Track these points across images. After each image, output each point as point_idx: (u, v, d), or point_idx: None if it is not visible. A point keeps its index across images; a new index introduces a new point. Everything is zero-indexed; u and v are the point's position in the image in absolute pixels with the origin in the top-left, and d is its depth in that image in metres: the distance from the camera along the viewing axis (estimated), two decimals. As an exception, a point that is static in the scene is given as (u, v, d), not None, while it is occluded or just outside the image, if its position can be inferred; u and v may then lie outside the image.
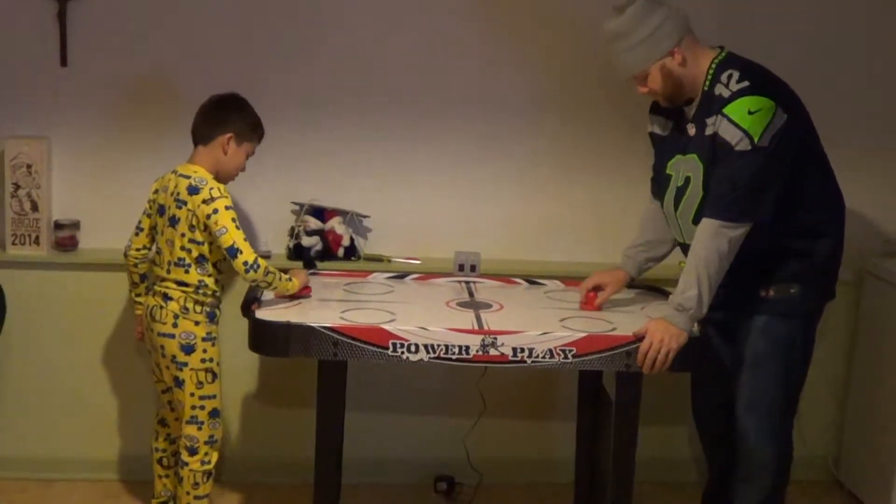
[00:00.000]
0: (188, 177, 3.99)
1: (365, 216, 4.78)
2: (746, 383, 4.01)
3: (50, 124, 4.61)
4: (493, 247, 4.82)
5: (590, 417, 4.52)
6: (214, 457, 4.15)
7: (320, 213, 4.69)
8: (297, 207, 4.72)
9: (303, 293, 4.09)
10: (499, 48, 4.76)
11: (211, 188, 3.95)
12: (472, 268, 4.69)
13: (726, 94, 3.75)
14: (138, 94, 4.60)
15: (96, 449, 4.80)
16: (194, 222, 3.97)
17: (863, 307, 4.87)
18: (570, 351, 3.75)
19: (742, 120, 3.68)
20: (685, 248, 3.99)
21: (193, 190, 3.95)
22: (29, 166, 4.54)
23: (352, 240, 4.71)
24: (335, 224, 4.68)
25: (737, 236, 3.74)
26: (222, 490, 4.75)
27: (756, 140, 3.67)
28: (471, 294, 4.34)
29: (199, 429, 4.09)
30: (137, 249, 4.20)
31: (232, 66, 4.60)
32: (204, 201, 3.93)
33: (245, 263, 3.91)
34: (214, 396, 4.10)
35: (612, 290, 4.21)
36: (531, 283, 4.56)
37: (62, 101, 4.61)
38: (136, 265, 4.23)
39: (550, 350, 3.74)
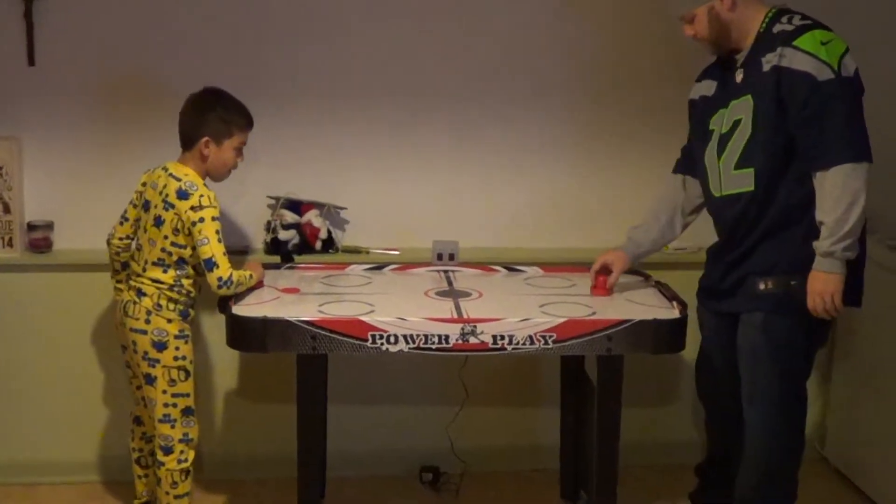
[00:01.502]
0: (179, 179, 3.95)
1: (342, 208, 4.76)
2: (747, 376, 4.01)
3: (20, 125, 4.56)
4: (472, 235, 4.80)
5: (573, 402, 4.52)
6: (191, 455, 4.12)
7: (296, 206, 4.66)
8: (273, 201, 4.69)
9: (291, 291, 4.09)
10: (474, 40, 4.74)
11: (201, 195, 3.92)
12: (451, 257, 4.68)
13: (790, 28, 3.75)
14: (109, 92, 4.55)
15: (78, 451, 4.77)
16: (179, 226, 3.94)
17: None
18: (550, 337, 3.74)
19: (817, 50, 3.67)
20: (716, 204, 4.00)
21: (183, 195, 3.92)
22: (0, 168, 4.50)
23: (329, 232, 4.69)
24: (312, 217, 4.65)
25: (865, 175, 3.69)
26: (206, 488, 4.73)
27: (836, 68, 3.66)
28: (450, 283, 4.32)
29: (173, 427, 4.06)
30: (121, 238, 4.17)
31: (206, 61, 4.56)
32: (192, 208, 3.91)
33: (219, 279, 3.89)
34: (188, 395, 4.07)
35: (619, 270, 4.20)
36: (510, 270, 4.55)
37: (31, 101, 4.56)
38: (118, 253, 4.20)
39: (531, 336, 3.73)
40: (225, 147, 4.01)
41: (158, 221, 3.97)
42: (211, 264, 3.89)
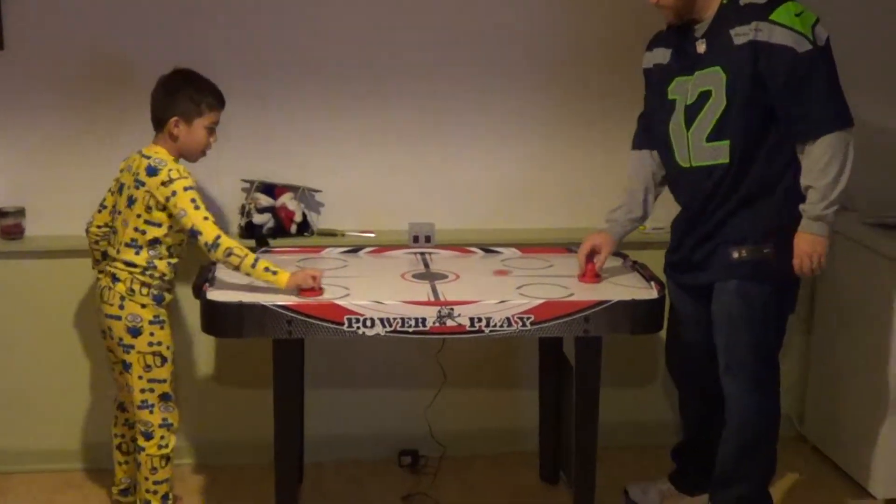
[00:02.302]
0: (149, 157, 3.93)
1: (317, 191, 4.73)
2: (723, 344, 4.03)
3: (-9, 110, 4.53)
4: (448, 217, 4.78)
5: (552, 384, 4.52)
6: (172, 441, 4.10)
7: (271, 189, 4.63)
8: (248, 185, 4.66)
9: (310, 294, 3.84)
10: (449, 19, 4.71)
11: (170, 170, 3.89)
12: (427, 239, 4.66)
13: (761, 1, 3.77)
14: (80, 77, 4.50)
15: (55, 439, 4.74)
16: (152, 203, 3.90)
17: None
18: (528, 318, 3.73)
19: (793, 23, 3.72)
20: (685, 175, 4.01)
21: (152, 171, 3.89)
22: (-30, 154, 4.47)
23: (304, 215, 4.66)
24: (287, 200, 4.62)
25: (851, 139, 3.78)
26: (184, 473, 4.71)
27: (812, 39, 3.72)
28: (426, 265, 4.31)
29: (151, 413, 4.04)
30: (99, 227, 4.14)
31: (177, 42, 4.51)
32: (162, 183, 3.87)
33: (206, 244, 3.85)
34: (164, 381, 4.05)
35: (606, 254, 4.18)
36: (487, 251, 4.52)
37: (2, 85, 4.51)
38: (97, 242, 4.17)
39: (508, 318, 3.72)
40: (196, 126, 3.97)
41: (131, 201, 3.94)
42: (195, 233, 3.86)
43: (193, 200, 3.88)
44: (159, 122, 3.97)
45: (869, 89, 4.84)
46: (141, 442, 4.07)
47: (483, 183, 4.84)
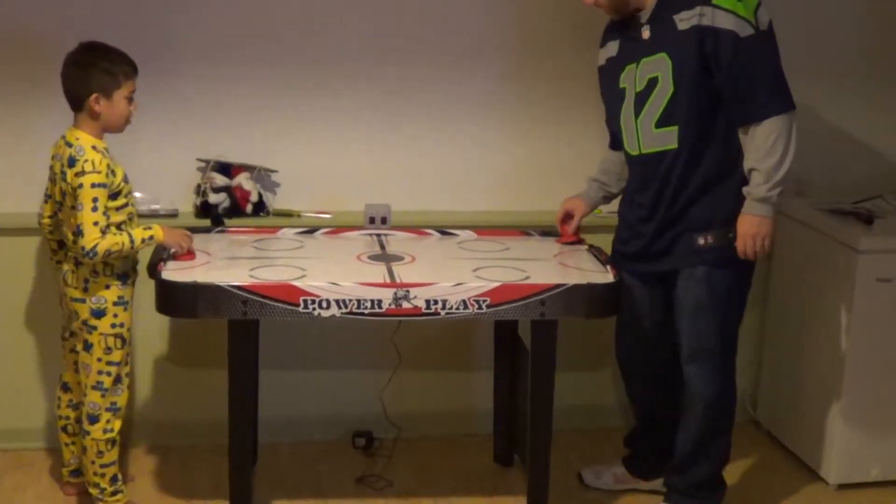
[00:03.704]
0: (71, 145, 3.86)
1: (273, 171, 4.70)
2: (687, 332, 4.05)
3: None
4: (404, 199, 4.76)
5: (507, 367, 4.53)
6: (117, 425, 4.06)
7: (227, 168, 4.60)
8: (203, 164, 4.62)
9: (185, 258, 3.99)
10: (406, 2, 4.69)
11: (85, 160, 3.81)
12: (383, 220, 4.63)
13: None
14: (35, 53, 4.42)
15: (9, 418, 4.70)
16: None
17: (776, 247, 4.86)
18: (484, 301, 3.73)
19: (735, 7, 3.75)
20: (637, 163, 4.04)
21: (72, 161, 3.83)
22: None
23: (260, 195, 4.62)
24: (242, 180, 4.59)
25: (794, 122, 3.82)
26: (136, 454, 4.69)
27: (755, 23, 3.76)
28: (382, 247, 4.29)
29: (103, 396, 4.01)
30: (50, 217, 4.09)
31: (129, 20, 4.46)
32: (76, 174, 3.81)
33: (83, 248, 3.80)
34: (121, 363, 4.02)
35: (579, 216, 4.33)
36: (443, 234, 4.52)
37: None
38: (51, 232, 4.13)
39: (464, 301, 3.72)
40: (116, 99, 3.89)
41: (63, 193, 3.90)
42: (79, 231, 3.81)
43: (95, 200, 3.80)
44: (77, 101, 3.89)
45: (823, 76, 4.89)
46: (86, 426, 4.03)
47: (439, 165, 4.83)
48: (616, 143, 4.25)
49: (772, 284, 4.98)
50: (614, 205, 4.39)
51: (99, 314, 3.95)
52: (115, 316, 3.97)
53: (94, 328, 3.96)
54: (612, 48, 4.09)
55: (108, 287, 3.95)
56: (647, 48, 3.92)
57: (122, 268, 3.98)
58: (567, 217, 4.35)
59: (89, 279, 3.93)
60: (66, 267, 4.00)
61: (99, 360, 3.98)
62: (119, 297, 3.98)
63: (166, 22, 4.53)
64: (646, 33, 3.93)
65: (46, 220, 4.10)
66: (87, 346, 3.99)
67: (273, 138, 4.70)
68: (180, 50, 4.53)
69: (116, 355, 4.00)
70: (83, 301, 3.95)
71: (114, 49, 3.92)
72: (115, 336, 3.98)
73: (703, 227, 3.96)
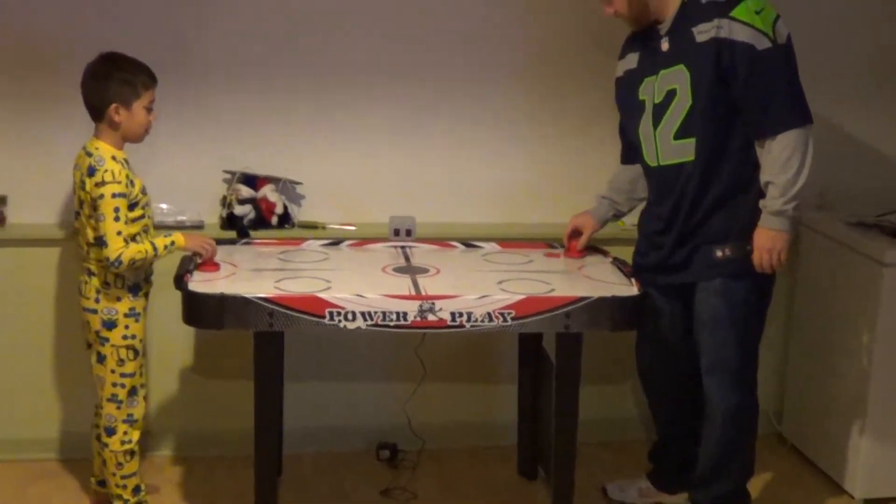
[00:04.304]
0: (90, 155, 3.89)
1: (298, 183, 4.72)
2: (706, 344, 4.05)
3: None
4: (429, 210, 4.77)
5: (531, 379, 4.52)
6: (135, 436, 4.08)
7: (252, 180, 4.62)
8: (229, 176, 4.64)
9: (209, 268, 4.01)
10: (432, 18, 4.71)
11: (105, 171, 3.84)
12: (408, 232, 4.64)
13: None
14: (57, 64, 4.44)
15: (34, 429, 4.71)
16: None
17: (800, 260, 4.87)
18: (508, 314, 3.72)
19: (753, 20, 3.75)
20: (655, 174, 4.05)
21: (91, 171, 3.85)
22: (-50, 143, 4.44)
23: (285, 207, 4.64)
24: (268, 192, 4.61)
25: (811, 136, 3.81)
26: (160, 464, 4.71)
27: (773, 36, 3.76)
28: (407, 259, 4.30)
29: (118, 408, 4.03)
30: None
31: (154, 32, 4.50)
32: (96, 184, 3.83)
33: (107, 259, 3.84)
34: (134, 374, 4.03)
35: (589, 233, 4.34)
36: (468, 246, 4.52)
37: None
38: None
39: (489, 313, 3.72)
40: (135, 109, 3.91)
41: (81, 203, 3.92)
42: (102, 241, 3.84)
43: (117, 210, 3.84)
44: (97, 112, 3.91)
45: (845, 88, 4.89)
46: (104, 438, 4.05)
47: (463, 178, 4.85)
48: (629, 155, 4.27)
49: (796, 298, 4.97)
50: (635, 217, 4.41)
51: (110, 325, 3.96)
52: (127, 328, 3.99)
53: (107, 339, 3.98)
54: (632, 60, 4.10)
55: (119, 299, 3.97)
56: (665, 60, 3.93)
57: (133, 279, 3.99)
58: (575, 233, 4.36)
59: (101, 290, 3.95)
60: (80, 277, 4.02)
61: (112, 371, 4.00)
62: (130, 309, 4.00)
63: (193, 34, 4.56)
64: (665, 45, 3.94)
65: (77, 225, 4.11)
66: (101, 358, 4.00)
67: (298, 150, 4.72)
68: (206, 62, 4.56)
69: (129, 367, 4.01)
70: (95, 311, 3.97)
71: (132, 59, 3.95)
72: (128, 348, 4.00)
73: (721, 240, 3.96)
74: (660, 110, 3.95)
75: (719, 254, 3.96)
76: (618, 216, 4.40)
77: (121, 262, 3.84)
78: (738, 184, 3.92)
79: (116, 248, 3.82)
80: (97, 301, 3.95)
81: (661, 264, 4.08)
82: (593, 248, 4.44)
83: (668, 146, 3.95)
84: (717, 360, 4.04)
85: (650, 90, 3.98)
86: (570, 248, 4.37)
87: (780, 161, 3.79)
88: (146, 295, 4.06)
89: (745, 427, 4.14)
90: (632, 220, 4.52)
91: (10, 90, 4.52)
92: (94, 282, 3.95)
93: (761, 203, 3.86)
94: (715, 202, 3.93)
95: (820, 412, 4.78)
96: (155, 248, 3.92)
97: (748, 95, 3.81)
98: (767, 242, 3.86)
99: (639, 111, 4.03)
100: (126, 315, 3.98)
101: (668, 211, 4.02)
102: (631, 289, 3.93)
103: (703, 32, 3.81)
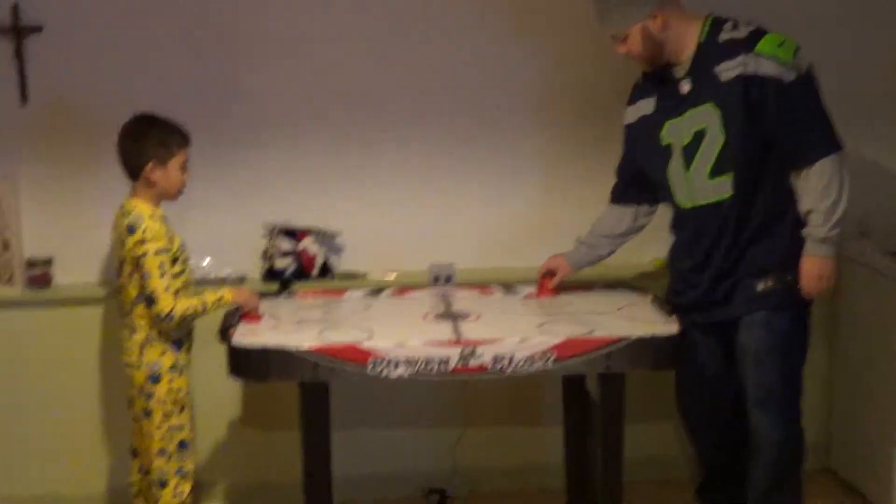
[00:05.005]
0: (128, 214, 3.95)
1: (337, 233, 4.76)
2: (752, 377, 4.05)
3: (15, 162, 4.59)
4: (468, 256, 4.80)
5: (576, 420, 4.52)
6: (186, 488, 4.11)
7: (293, 233, 4.67)
8: (269, 229, 4.69)
9: (251, 319, 4.07)
10: (465, 62, 4.76)
11: (145, 229, 3.91)
12: (448, 279, 4.67)
13: (741, 35, 3.85)
14: (101, 125, 4.48)
15: (79, 485, 4.77)
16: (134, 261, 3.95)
17: (842, 291, 4.85)
18: (550, 356, 3.74)
19: (776, 53, 3.81)
20: (690, 216, 4.06)
21: (131, 230, 3.92)
22: (-3, 205, 4.52)
23: (326, 258, 4.69)
24: (308, 244, 4.66)
25: (844, 161, 3.87)
26: (212, 518, 4.74)
27: (797, 67, 3.81)
28: (448, 305, 4.32)
29: (168, 461, 4.06)
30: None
31: (193, 92, 4.59)
32: (137, 242, 3.90)
33: (158, 315, 3.90)
34: (183, 428, 4.07)
35: (561, 275, 4.41)
36: (507, 289, 4.54)
37: (26, 139, 4.59)
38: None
39: (531, 356, 3.73)
40: (170, 167, 3.98)
41: (122, 262, 3.99)
42: (151, 300, 3.90)
43: (161, 265, 3.90)
44: (134, 171, 3.98)
45: (879, 115, 4.87)
46: (156, 491, 4.08)
47: (502, 222, 4.88)
48: (624, 195, 4.33)
49: (839, 328, 4.95)
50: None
51: (154, 380, 4.01)
52: (171, 381, 4.03)
53: (152, 394, 4.02)
54: (646, 106, 4.11)
55: (163, 353, 4.02)
56: (689, 101, 3.94)
57: (176, 334, 4.04)
58: (549, 273, 4.42)
59: (144, 345, 4.00)
60: (122, 333, 4.06)
61: (159, 427, 4.03)
62: (174, 363, 4.04)
63: (226, 94, 4.63)
64: (685, 87, 3.95)
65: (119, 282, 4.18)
66: (147, 413, 4.04)
67: (336, 201, 4.77)
68: (243, 117, 4.63)
69: (177, 420, 4.05)
70: (138, 367, 4.01)
71: (167, 119, 4.02)
72: (174, 402, 4.04)
73: (761, 272, 3.97)
74: (690, 151, 3.96)
75: (761, 286, 3.97)
76: (594, 262, 4.45)
77: (172, 318, 3.89)
78: (773, 214, 3.95)
79: (167, 303, 3.88)
80: (141, 356, 4.00)
81: (700, 301, 4.09)
82: (633, 287, 4.47)
83: (704, 185, 3.97)
84: (763, 392, 4.03)
85: (675, 133, 3.99)
86: (542, 286, 4.44)
87: (819, 189, 3.82)
88: (188, 350, 4.10)
89: (792, 459, 4.13)
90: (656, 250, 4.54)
91: (50, 153, 4.61)
92: (137, 338, 4.00)
93: (804, 232, 3.89)
94: (753, 235, 3.96)
95: (868, 444, 4.74)
96: (204, 305, 3.97)
97: (780, 128, 3.84)
98: (815, 269, 3.89)
99: (665, 155, 4.04)
100: (170, 369, 4.02)
101: (705, 248, 4.03)
102: (670, 327, 3.93)
103: (728, 70, 3.83)
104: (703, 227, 4.02)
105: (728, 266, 3.99)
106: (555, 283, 4.40)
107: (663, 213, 4.29)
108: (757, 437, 4.09)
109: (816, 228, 3.86)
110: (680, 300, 4.15)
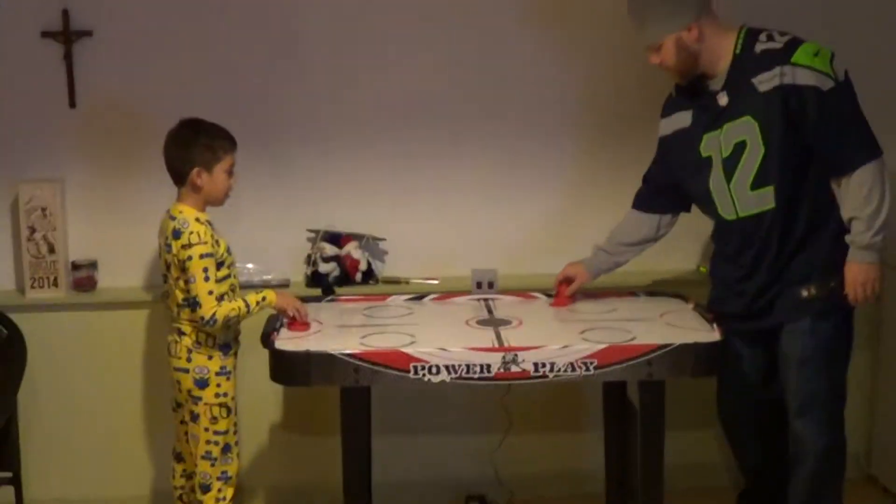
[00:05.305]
0: (174, 218, 3.98)
1: (381, 239, 4.79)
2: (795, 385, 4.04)
3: (62, 166, 4.65)
4: (510, 262, 4.82)
5: (616, 427, 4.51)
6: (229, 493, 4.14)
7: (336, 238, 4.70)
8: (313, 234, 4.72)
9: (298, 328, 4.07)
10: (507, 72, 4.78)
11: (191, 233, 3.93)
12: (490, 285, 4.68)
13: (778, 46, 3.85)
14: (147, 130, 4.54)
15: (125, 487, 4.82)
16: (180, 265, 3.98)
17: (885, 297, 4.82)
18: (591, 363, 3.74)
19: (813, 63, 3.81)
20: (733, 228, 4.04)
21: (176, 234, 3.94)
22: (43, 209, 4.56)
23: (369, 263, 4.72)
24: (351, 249, 4.68)
25: (885, 166, 3.88)
26: (253, 521, 4.76)
27: (833, 76, 3.81)
28: (490, 311, 4.34)
29: (213, 465, 4.08)
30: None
31: (242, 97, 4.63)
32: (183, 246, 3.93)
33: (202, 318, 3.93)
34: (227, 432, 4.10)
35: (579, 283, 4.39)
36: (549, 296, 4.54)
37: (73, 142, 4.64)
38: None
39: (572, 363, 3.74)
40: (216, 173, 4.00)
41: (168, 266, 4.02)
42: (195, 303, 3.92)
43: (206, 269, 3.92)
44: (180, 176, 4.01)
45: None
46: (199, 495, 4.11)
47: (545, 228, 4.89)
48: (646, 203, 4.34)
49: (882, 336, 4.93)
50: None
51: (202, 384, 4.03)
52: (219, 385, 4.06)
53: (199, 398, 4.04)
54: (683, 119, 4.10)
55: (210, 357, 4.04)
56: (728, 114, 3.93)
57: (224, 339, 4.07)
58: (567, 280, 4.40)
59: (192, 349, 4.03)
60: (170, 337, 4.09)
61: (206, 430, 4.06)
62: (221, 368, 4.06)
63: (274, 99, 4.67)
64: (723, 100, 3.94)
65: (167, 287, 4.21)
66: (194, 417, 4.07)
67: (380, 207, 4.80)
68: (288, 124, 4.66)
69: (222, 424, 4.08)
70: (186, 371, 4.04)
71: (213, 124, 4.04)
72: (220, 406, 4.07)
73: (805, 280, 3.96)
74: (730, 163, 3.95)
75: (805, 294, 3.97)
76: (612, 269, 4.44)
77: (215, 321, 3.92)
78: (815, 222, 3.95)
79: (210, 307, 3.91)
80: (189, 360, 4.03)
81: (744, 311, 4.08)
82: (675, 294, 4.46)
83: (746, 197, 3.96)
84: (807, 400, 4.02)
85: (715, 145, 3.98)
86: (560, 292, 4.41)
87: (861, 196, 3.83)
88: (235, 354, 4.13)
89: (834, 466, 4.11)
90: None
91: (97, 157, 4.66)
92: (185, 342, 4.03)
93: (848, 238, 3.89)
94: (797, 244, 3.95)
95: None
96: (247, 305, 3.99)
97: (820, 137, 3.85)
98: (860, 276, 3.89)
99: (704, 168, 4.03)
100: (217, 374, 4.05)
101: (750, 259, 4.02)
102: (712, 335, 3.93)
103: (766, 82, 3.83)
104: (747, 238, 4.01)
105: (773, 276, 3.98)
106: (572, 290, 4.39)
107: (702, 221, 4.28)
108: (798, 445, 4.07)
109: (860, 235, 3.86)
110: (722, 308, 4.14)
